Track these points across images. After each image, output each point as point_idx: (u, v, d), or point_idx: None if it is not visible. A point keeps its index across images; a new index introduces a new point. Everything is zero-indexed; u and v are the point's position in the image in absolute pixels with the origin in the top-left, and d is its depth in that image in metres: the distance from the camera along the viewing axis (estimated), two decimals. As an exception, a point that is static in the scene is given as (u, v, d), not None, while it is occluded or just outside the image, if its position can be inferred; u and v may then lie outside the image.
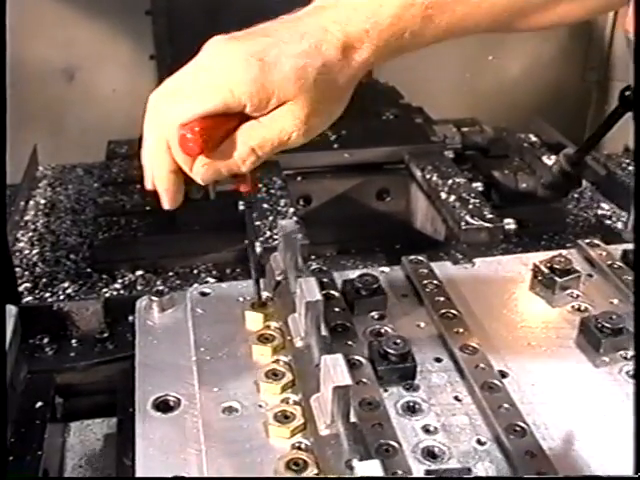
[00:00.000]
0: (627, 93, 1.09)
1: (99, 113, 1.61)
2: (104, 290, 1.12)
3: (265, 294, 0.79)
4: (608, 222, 1.33)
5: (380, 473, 0.49)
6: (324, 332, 0.69)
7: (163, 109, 0.64)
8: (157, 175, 0.66)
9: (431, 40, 0.66)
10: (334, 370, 0.57)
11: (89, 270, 1.17)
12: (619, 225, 1.31)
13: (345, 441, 0.57)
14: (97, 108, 1.62)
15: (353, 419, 0.61)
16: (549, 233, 1.19)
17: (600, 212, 1.35)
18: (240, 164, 0.65)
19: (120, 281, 1.15)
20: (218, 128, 0.63)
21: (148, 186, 0.67)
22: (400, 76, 1.51)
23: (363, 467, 0.50)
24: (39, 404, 0.80)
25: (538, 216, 1.20)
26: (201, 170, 0.65)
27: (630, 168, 1.46)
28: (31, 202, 1.37)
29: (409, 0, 0.63)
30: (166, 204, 0.68)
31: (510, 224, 1.07)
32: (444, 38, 0.67)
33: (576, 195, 1.38)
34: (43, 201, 1.37)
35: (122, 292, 1.12)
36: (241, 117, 0.63)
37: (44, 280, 1.15)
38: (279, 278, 0.76)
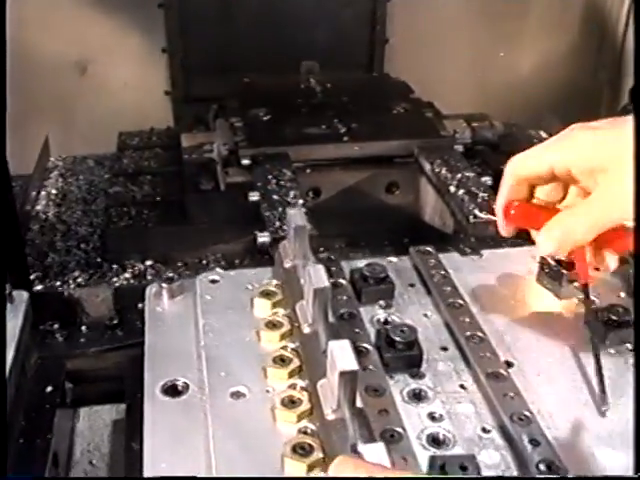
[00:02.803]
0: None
1: (111, 106, 1.62)
2: (114, 279, 1.13)
3: (274, 282, 0.79)
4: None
5: (385, 455, 0.50)
6: (331, 319, 0.70)
7: None
8: None
9: None
10: (341, 355, 0.58)
11: (99, 260, 1.18)
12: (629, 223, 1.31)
13: (350, 426, 0.58)
14: (109, 101, 1.63)
15: (359, 404, 0.61)
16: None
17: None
18: None
19: (130, 271, 1.16)
20: None
21: None
22: (411, 71, 1.51)
23: (368, 449, 0.51)
24: (49, 389, 0.81)
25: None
26: None
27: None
28: (42, 192, 1.38)
29: None
30: None
31: (519, 218, 1.07)
32: None
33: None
34: (54, 191, 1.38)
35: (132, 282, 1.13)
36: None
37: (55, 269, 1.16)
38: (288, 266, 0.77)
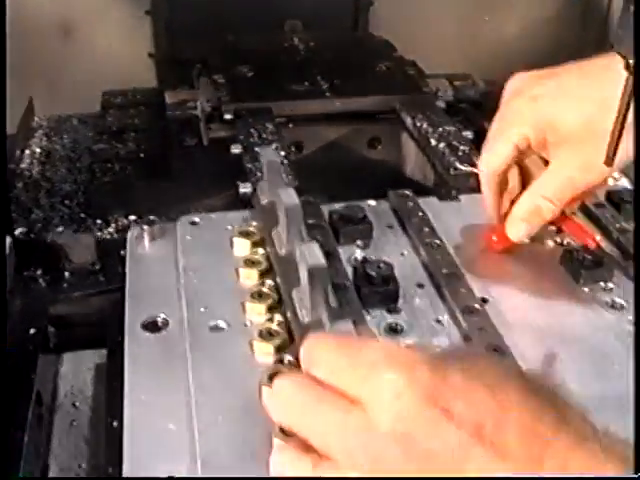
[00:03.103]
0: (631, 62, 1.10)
1: (95, 68, 1.62)
2: (98, 234, 1.14)
3: (253, 223, 0.80)
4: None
5: (352, 331, 0.51)
6: (305, 235, 0.71)
7: None
8: None
9: None
10: (308, 254, 0.59)
11: (83, 215, 1.19)
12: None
13: (327, 325, 0.59)
14: (93, 63, 1.63)
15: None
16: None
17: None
18: None
19: (114, 225, 1.16)
20: None
21: None
22: (395, 34, 1.51)
23: (338, 327, 0.52)
24: (32, 331, 0.82)
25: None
26: None
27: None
28: (27, 151, 1.38)
29: None
30: None
31: (499, 170, 1.08)
32: None
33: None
34: (38, 150, 1.38)
35: (115, 236, 1.14)
36: None
37: (39, 225, 1.16)
38: (264, 202, 0.77)
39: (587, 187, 0.73)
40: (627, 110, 0.59)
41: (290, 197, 0.68)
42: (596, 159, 0.66)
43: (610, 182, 0.90)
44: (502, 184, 0.77)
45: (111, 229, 1.18)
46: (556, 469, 0.39)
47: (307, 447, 0.47)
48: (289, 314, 0.66)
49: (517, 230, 0.75)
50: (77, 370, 0.87)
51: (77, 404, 0.83)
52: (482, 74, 1.49)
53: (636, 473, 0.41)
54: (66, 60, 1.62)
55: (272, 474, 0.50)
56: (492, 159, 0.75)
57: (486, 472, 0.40)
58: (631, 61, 0.57)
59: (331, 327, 0.54)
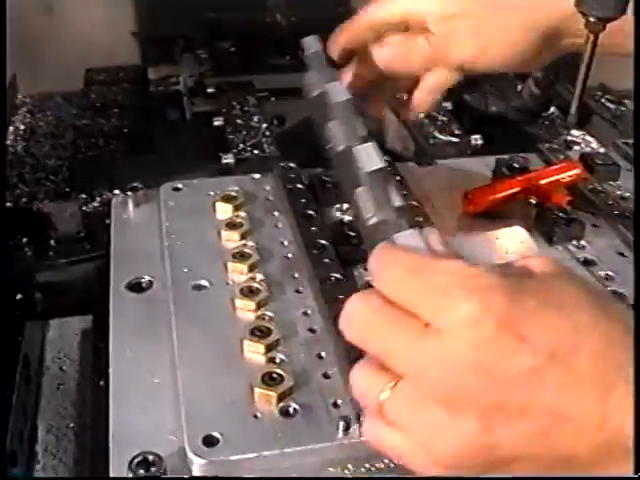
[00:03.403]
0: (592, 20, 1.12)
1: (78, 47, 1.61)
2: (83, 208, 1.15)
3: (235, 188, 0.82)
4: (577, 148, 1.36)
5: (421, 242, 0.49)
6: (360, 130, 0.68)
7: None
8: None
9: None
10: (367, 156, 0.58)
11: (68, 189, 1.20)
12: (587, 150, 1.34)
13: (394, 225, 0.54)
14: (76, 42, 1.62)
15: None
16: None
17: (570, 138, 1.38)
18: None
19: (98, 199, 1.18)
20: None
21: None
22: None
23: (402, 238, 0.49)
24: (19, 296, 0.83)
25: (507, 138, 1.23)
26: None
27: (602, 101, 1.49)
28: (10, 128, 1.39)
29: None
30: None
31: (477, 139, 1.10)
32: None
33: (547, 122, 1.41)
34: (22, 127, 1.39)
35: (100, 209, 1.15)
36: None
37: (24, 199, 1.17)
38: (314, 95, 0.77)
39: (462, 55, 0.76)
40: (589, 68, 0.61)
41: (340, 92, 0.68)
42: (481, 37, 0.73)
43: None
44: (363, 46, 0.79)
45: (96, 203, 1.20)
46: (629, 396, 0.40)
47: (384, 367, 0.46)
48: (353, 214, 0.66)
49: (387, 54, 0.77)
50: (64, 335, 0.89)
51: (64, 368, 0.85)
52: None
53: (636, 473, 0.42)
54: (48, 38, 1.62)
55: (353, 391, 0.49)
56: (378, 12, 0.78)
57: (561, 397, 0.41)
58: (592, 19, 0.59)
59: (396, 237, 0.50)
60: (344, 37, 0.81)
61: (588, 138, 1.38)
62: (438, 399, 0.43)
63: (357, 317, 0.47)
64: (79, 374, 0.85)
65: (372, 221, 0.56)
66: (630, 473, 0.42)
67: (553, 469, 0.43)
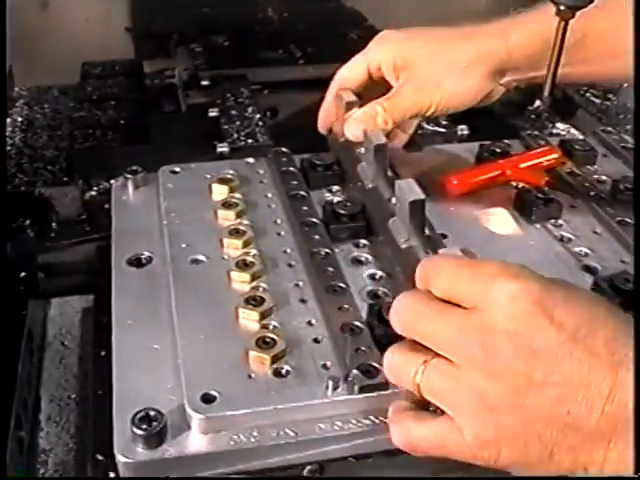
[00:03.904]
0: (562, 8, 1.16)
1: (73, 42, 1.65)
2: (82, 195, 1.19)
3: (231, 171, 0.86)
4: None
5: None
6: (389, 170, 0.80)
7: None
8: None
9: None
10: (408, 189, 0.67)
11: (66, 179, 1.23)
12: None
13: (422, 251, 0.67)
14: (71, 37, 1.67)
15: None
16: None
17: (555, 131, 1.43)
18: None
19: (95, 189, 1.21)
20: None
21: None
22: (366, 2, 1.56)
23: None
24: (22, 274, 0.87)
25: (492, 129, 1.27)
26: None
27: (587, 95, 1.54)
28: (8, 120, 1.42)
29: None
30: None
31: (464, 130, 1.15)
32: None
33: (533, 116, 1.46)
34: (20, 119, 1.43)
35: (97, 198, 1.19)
36: None
37: (22, 189, 1.21)
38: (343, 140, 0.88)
39: (416, 106, 0.83)
40: (559, 54, 0.66)
41: (378, 137, 0.77)
42: (429, 84, 0.81)
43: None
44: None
45: (93, 192, 1.23)
46: (629, 373, 0.47)
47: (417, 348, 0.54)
48: (383, 239, 0.75)
49: (354, 128, 0.83)
50: (65, 313, 0.92)
51: (66, 343, 0.89)
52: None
53: (636, 473, 0.46)
54: (44, 33, 1.66)
55: (386, 373, 0.57)
56: (344, 72, 0.88)
57: (579, 369, 0.48)
58: (562, 7, 0.63)
59: (442, 252, 0.61)
60: (325, 112, 0.92)
61: (573, 131, 1.42)
62: (475, 367, 0.50)
63: (405, 309, 0.55)
64: (80, 349, 0.89)
65: (404, 246, 0.69)
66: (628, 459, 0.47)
67: (564, 437, 0.48)
